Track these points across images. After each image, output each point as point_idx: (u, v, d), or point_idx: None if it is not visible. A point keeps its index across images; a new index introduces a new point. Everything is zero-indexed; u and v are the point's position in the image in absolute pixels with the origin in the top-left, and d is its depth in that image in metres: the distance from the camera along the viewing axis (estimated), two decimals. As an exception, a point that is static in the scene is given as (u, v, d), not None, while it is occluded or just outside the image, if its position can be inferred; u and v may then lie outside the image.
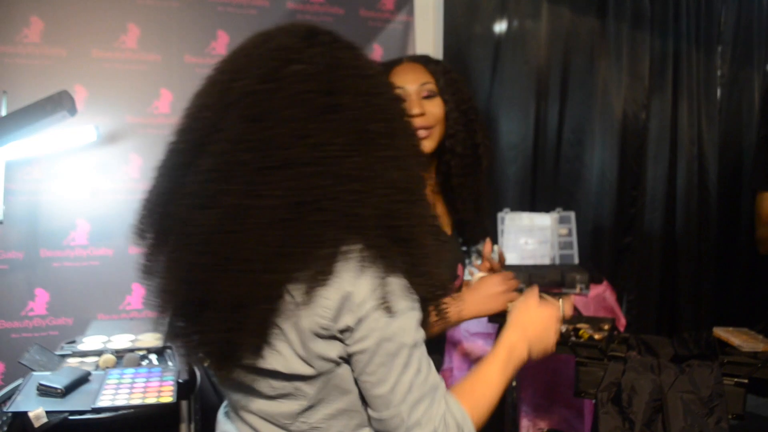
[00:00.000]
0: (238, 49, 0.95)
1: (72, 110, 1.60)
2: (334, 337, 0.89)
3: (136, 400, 1.76)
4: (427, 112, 1.50)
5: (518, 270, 2.68)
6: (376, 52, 2.85)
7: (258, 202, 0.83)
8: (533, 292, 1.31)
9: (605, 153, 3.36)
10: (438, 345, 1.69)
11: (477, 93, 3.27)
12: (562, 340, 2.21)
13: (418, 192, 0.96)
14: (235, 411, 1.04)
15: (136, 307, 2.51)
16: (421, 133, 1.48)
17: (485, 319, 1.83)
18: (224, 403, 1.18)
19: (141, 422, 1.80)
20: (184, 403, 1.90)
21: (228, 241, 0.84)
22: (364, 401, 0.95)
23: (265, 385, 0.94)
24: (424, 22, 2.92)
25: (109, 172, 2.46)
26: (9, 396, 1.81)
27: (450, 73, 1.57)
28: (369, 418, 0.95)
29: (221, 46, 2.60)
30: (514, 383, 2.76)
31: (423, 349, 0.95)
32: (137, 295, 2.51)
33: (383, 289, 0.88)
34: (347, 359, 0.92)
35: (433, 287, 0.95)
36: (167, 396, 1.78)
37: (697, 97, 3.50)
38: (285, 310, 0.88)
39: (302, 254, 0.85)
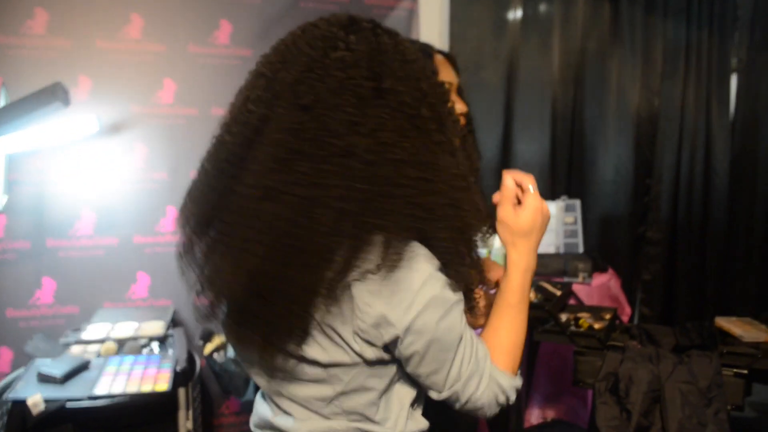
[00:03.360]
0: (280, 42, 0.94)
1: (66, 101, 1.62)
2: (379, 345, 0.90)
3: (133, 388, 1.78)
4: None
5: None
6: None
7: (325, 192, 0.83)
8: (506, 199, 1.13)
9: (620, 140, 3.31)
10: None
11: (488, 82, 3.23)
12: (561, 329, 2.20)
13: (469, 178, 0.96)
14: (269, 394, 1.03)
15: (141, 296, 2.54)
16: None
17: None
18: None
19: (137, 409, 1.84)
20: (181, 391, 1.93)
21: (294, 231, 0.84)
22: (408, 381, 0.99)
23: (301, 370, 0.94)
24: (429, 8, 2.89)
25: (113, 162, 2.49)
26: (11, 383, 1.86)
27: (458, 69, 1.59)
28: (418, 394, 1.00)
29: (224, 35, 2.60)
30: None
31: (469, 332, 0.97)
32: (142, 283, 2.54)
33: (431, 290, 0.88)
34: (393, 359, 0.94)
35: (482, 275, 0.99)
36: (163, 384, 1.81)
37: (707, 83, 3.42)
38: (335, 306, 0.88)
39: (362, 247, 0.85)
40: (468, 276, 0.95)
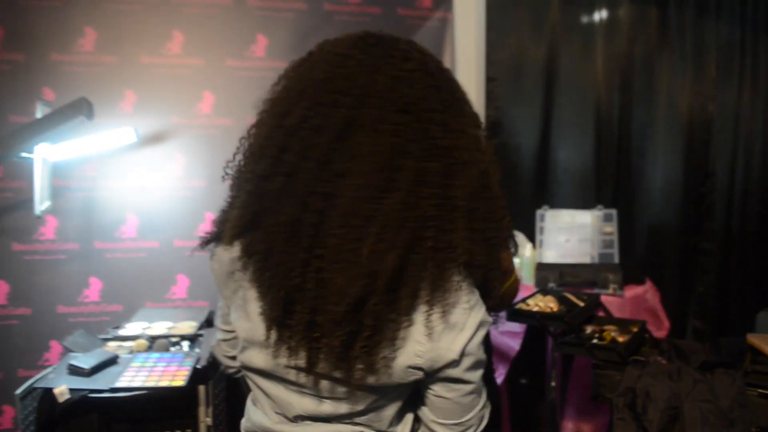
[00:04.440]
0: (329, 53, 0.94)
1: (89, 115, 1.75)
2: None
3: (151, 383, 1.89)
4: None
5: (550, 268, 2.63)
6: (415, 50, 2.87)
7: (424, 191, 0.87)
8: None
9: (670, 147, 3.20)
10: None
11: (529, 90, 3.21)
12: (581, 341, 2.16)
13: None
14: (278, 405, 1.04)
15: (180, 297, 2.68)
16: None
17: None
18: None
19: (157, 403, 1.94)
20: (201, 388, 2.02)
21: (410, 226, 0.86)
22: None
23: (336, 387, 0.95)
24: (464, 17, 2.91)
25: (156, 170, 2.64)
26: (48, 374, 2.01)
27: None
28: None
29: (260, 49, 2.72)
30: (553, 384, 2.71)
31: None
32: (182, 285, 2.68)
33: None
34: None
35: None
36: (180, 380, 1.91)
37: (765, 86, 3.26)
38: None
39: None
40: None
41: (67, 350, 2.15)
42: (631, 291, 2.59)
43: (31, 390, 1.90)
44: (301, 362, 0.92)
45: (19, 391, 1.88)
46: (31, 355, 2.55)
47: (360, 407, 0.96)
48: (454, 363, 0.91)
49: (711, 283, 3.27)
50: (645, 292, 2.61)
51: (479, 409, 1.01)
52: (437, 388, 0.96)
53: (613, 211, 2.80)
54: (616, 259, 2.72)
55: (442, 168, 0.88)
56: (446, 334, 0.89)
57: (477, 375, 0.96)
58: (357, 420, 0.99)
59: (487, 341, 1.74)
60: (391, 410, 0.99)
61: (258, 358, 0.98)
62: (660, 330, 2.62)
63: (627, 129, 3.27)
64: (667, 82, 3.23)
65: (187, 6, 2.65)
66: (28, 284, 2.55)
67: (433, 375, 0.93)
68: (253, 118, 0.99)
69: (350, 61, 0.91)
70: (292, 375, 0.96)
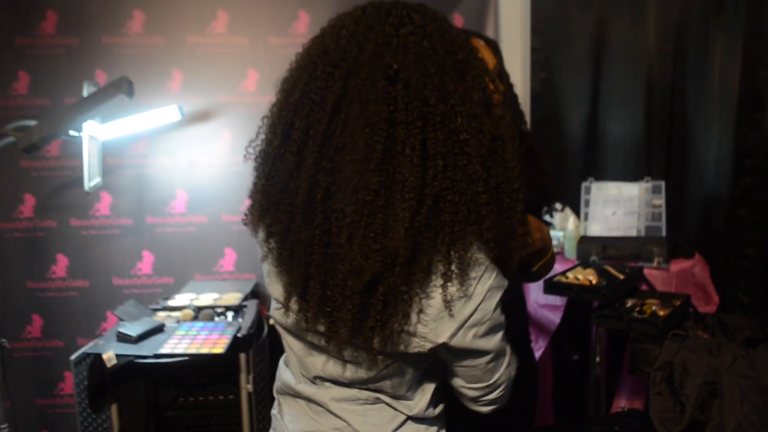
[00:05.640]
0: (335, 24, 0.93)
1: (130, 93, 1.83)
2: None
3: (193, 350, 1.98)
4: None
5: (593, 241, 2.58)
6: (457, 22, 2.84)
7: (434, 162, 0.84)
8: None
9: (722, 119, 3.07)
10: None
11: (574, 59, 3.13)
12: (619, 315, 2.12)
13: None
14: (301, 364, 1.08)
15: (228, 269, 2.78)
16: None
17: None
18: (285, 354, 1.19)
19: (199, 369, 2.04)
20: (242, 356, 2.10)
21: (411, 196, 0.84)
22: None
23: (358, 354, 0.97)
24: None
25: (203, 147, 2.73)
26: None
27: (500, 54, 1.62)
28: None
29: (303, 25, 2.75)
30: (597, 359, 2.68)
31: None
32: (229, 258, 2.77)
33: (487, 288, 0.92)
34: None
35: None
36: (220, 348, 1.98)
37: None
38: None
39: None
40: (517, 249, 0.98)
41: (119, 319, 2.26)
42: (678, 265, 2.52)
43: (84, 357, 2.02)
44: (322, 328, 0.94)
45: (73, 357, 2.00)
46: (89, 325, 2.70)
47: (379, 373, 0.98)
48: (459, 334, 0.91)
49: (758, 257, 3.12)
50: (692, 266, 2.53)
51: (505, 367, 1.03)
52: (457, 360, 0.98)
53: (662, 183, 2.72)
54: (663, 233, 2.64)
55: (444, 136, 0.84)
56: (457, 305, 0.89)
57: (493, 341, 0.97)
58: (374, 386, 1.01)
59: (521, 314, 1.73)
60: (409, 378, 1.00)
61: (285, 318, 1.01)
62: (709, 305, 2.54)
63: (680, 99, 3.14)
64: (720, 51, 3.08)
65: (231, -14, 2.70)
66: (85, 258, 2.69)
67: (445, 347, 0.93)
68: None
69: (343, 32, 0.90)
70: (316, 339, 0.99)
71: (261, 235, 0.99)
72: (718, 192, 3.07)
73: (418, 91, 0.84)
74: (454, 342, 0.91)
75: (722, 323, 2.14)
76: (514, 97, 1.66)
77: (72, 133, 2.02)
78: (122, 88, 1.81)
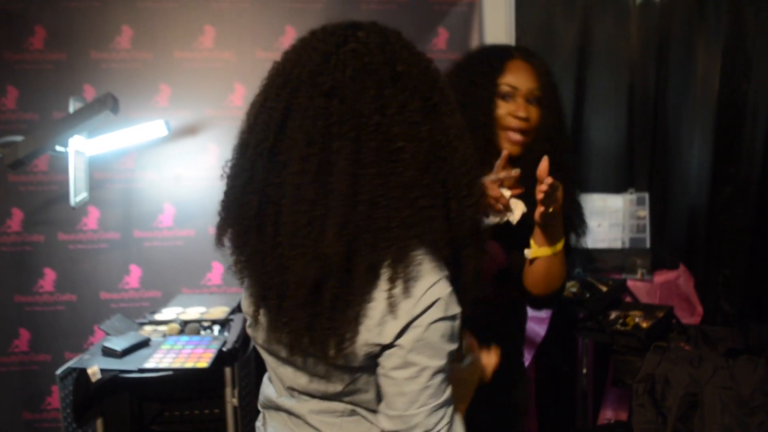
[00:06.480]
0: (290, 48, 1.01)
1: (115, 109, 1.85)
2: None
3: (177, 365, 1.99)
4: (530, 118, 1.51)
5: (578, 253, 2.59)
6: (441, 36, 2.87)
7: (362, 170, 0.88)
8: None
9: (703, 129, 3.10)
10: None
11: (559, 71, 3.15)
12: (601, 327, 2.14)
13: (478, 167, 1.01)
14: (277, 378, 1.11)
15: (215, 283, 2.78)
16: (515, 136, 1.51)
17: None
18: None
19: (184, 384, 2.04)
20: (228, 370, 2.11)
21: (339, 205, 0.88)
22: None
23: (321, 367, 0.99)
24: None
25: (190, 161, 2.74)
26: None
27: (550, 77, 1.57)
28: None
29: (289, 40, 2.76)
30: (584, 371, 2.69)
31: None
32: (216, 272, 2.78)
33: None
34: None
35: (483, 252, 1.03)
36: (204, 362, 1.99)
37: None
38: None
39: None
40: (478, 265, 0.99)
41: (106, 334, 2.27)
42: (662, 276, 2.54)
43: (70, 371, 2.03)
44: (285, 340, 0.97)
45: (59, 371, 2.01)
46: (77, 339, 2.70)
47: (339, 387, 1.00)
48: (404, 336, 0.91)
49: (740, 266, 3.15)
50: (677, 277, 2.55)
51: (428, 409, 0.94)
52: (383, 362, 0.94)
53: (646, 195, 2.75)
54: (648, 244, 2.67)
55: (378, 145, 0.88)
56: (401, 307, 0.90)
57: (424, 359, 0.92)
58: (348, 399, 1.02)
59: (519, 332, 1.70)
60: (372, 392, 1.01)
61: (256, 333, 1.05)
62: (693, 316, 2.56)
63: (662, 110, 3.18)
64: (702, 62, 3.11)
65: (218, 1, 2.72)
66: (73, 272, 2.70)
67: (392, 349, 0.93)
68: None
69: (290, 54, 0.98)
70: (281, 350, 1.01)
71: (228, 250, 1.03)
72: (700, 202, 3.10)
73: (352, 105, 0.90)
74: (399, 342, 0.92)
75: (705, 335, 2.16)
76: (555, 125, 1.55)
77: (58, 148, 2.04)
78: (107, 104, 1.82)
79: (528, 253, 1.45)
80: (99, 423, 2.05)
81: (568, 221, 1.58)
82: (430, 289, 0.91)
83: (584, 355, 2.63)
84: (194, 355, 2.06)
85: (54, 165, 2.65)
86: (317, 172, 0.88)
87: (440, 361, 0.93)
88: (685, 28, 3.12)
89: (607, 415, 2.98)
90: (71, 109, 2.03)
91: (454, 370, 1.08)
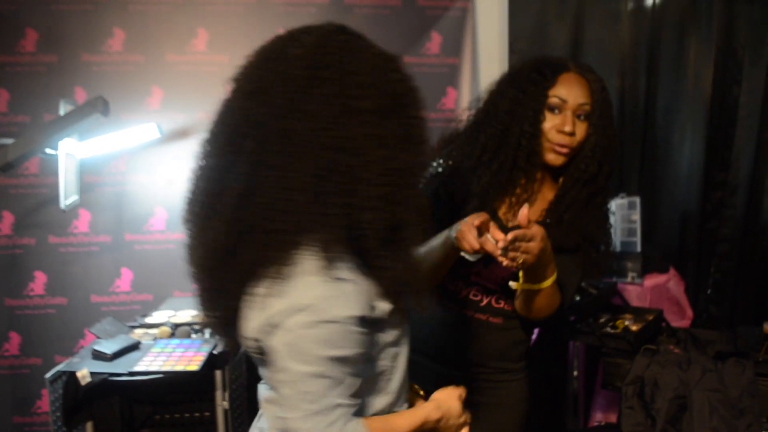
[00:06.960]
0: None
1: (105, 112, 1.84)
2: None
3: (168, 367, 1.98)
4: (576, 133, 1.47)
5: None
6: (435, 41, 2.88)
7: (266, 173, 0.92)
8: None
9: (695, 134, 3.12)
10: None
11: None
12: (591, 329, 2.15)
13: (411, 177, 1.01)
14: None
15: (207, 286, 2.78)
16: (561, 150, 1.47)
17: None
18: None
19: (174, 386, 2.04)
20: (218, 373, 2.10)
21: (247, 210, 0.94)
22: None
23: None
24: (486, 5, 2.90)
25: (182, 164, 2.72)
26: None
27: (605, 94, 1.52)
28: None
29: (282, 44, 2.77)
30: (575, 373, 2.70)
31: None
32: (208, 275, 2.77)
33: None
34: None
35: (416, 276, 1.03)
36: (194, 365, 1.99)
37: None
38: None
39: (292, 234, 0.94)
40: (397, 274, 0.98)
41: (96, 337, 2.26)
42: (652, 280, 2.56)
43: (59, 375, 2.02)
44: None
45: (48, 375, 2.00)
46: (67, 343, 2.69)
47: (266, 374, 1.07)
48: (265, 330, 0.95)
49: (728, 270, 3.17)
50: (667, 280, 2.57)
51: (304, 414, 0.92)
52: (268, 362, 1.00)
53: (637, 199, 2.76)
54: (638, 248, 2.68)
55: (279, 148, 0.92)
56: (269, 302, 0.94)
57: (296, 364, 0.92)
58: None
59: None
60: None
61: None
62: (683, 319, 2.58)
63: (654, 115, 3.20)
64: (693, 68, 3.14)
65: (211, 4, 2.73)
66: (63, 275, 2.69)
67: (258, 344, 0.99)
68: None
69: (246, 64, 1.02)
70: None
71: None
72: (690, 206, 3.12)
73: (265, 108, 0.93)
74: (259, 335, 0.96)
75: (694, 337, 2.18)
76: (603, 144, 1.49)
77: (49, 151, 2.03)
78: (98, 107, 1.82)
79: (512, 285, 1.43)
80: (89, 426, 2.04)
81: (594, 248, 1.55)
82: (305, 292, 0.92)
83: (575, 357, 2.64)
84: (185, 358, 2.05)
85: (45, 168, 2.64)
86: (225, 168, 0.96)
87: (317, 367, 0.92)
88: (677, 33, 3.15)
89: (597, 417, 2.99)
90: (61, 112, 2.03)
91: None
